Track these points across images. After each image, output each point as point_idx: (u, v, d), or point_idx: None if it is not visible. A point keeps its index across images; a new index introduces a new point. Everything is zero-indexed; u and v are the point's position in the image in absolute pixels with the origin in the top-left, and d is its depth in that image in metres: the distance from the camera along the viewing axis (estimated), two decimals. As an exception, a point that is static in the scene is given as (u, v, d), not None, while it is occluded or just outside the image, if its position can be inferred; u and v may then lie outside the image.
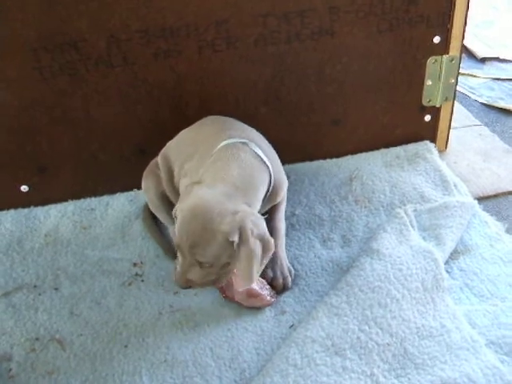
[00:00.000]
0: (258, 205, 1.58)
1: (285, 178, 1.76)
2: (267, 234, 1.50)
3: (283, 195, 1.76)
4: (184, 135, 1.80)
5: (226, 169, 1.55)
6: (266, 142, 1.75)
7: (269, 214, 1.75)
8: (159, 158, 1.84)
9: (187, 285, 1.52)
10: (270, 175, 1.63)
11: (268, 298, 1.63)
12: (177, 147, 1.79)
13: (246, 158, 1.59)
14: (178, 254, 1.51)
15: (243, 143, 1.63)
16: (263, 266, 1.52)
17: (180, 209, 1.49)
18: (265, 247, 1.49)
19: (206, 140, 1.68)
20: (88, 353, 1.55)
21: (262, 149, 1.66)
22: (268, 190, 1.63)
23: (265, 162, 1.62)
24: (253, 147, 1.63)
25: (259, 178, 1.59)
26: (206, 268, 1.48)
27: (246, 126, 1.75)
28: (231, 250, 1.44)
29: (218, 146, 1.61)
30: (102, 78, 1.86)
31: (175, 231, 1.50)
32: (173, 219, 1.79)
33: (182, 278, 1.50)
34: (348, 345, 1.47)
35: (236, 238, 1.43)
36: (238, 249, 1.45)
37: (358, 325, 1.51)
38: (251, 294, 1.62)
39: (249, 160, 1.59)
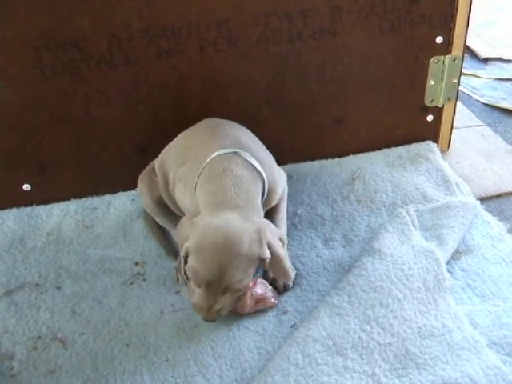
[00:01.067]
0: (261, 213, 1.59)
1: (280, 179, 1.74)
2: (278, 231, 1.58)
3: (279, 197, 1.75)
4: (179, 140, 1.79)
5: (222, 191, 1.54)
6: (260, 143, 1.75)
7: (269, 215, 1.75)
8: (156, 163, 1.84)
9: (218, 316, 1.50)
10: (264, 182, 1.62)
11: (272, 300, 1.63)
12: (172, 153, 1.78)
13: (239, 171, 1.58)
14: (199, 290, 1.48)
15: (234, 153, 1.61)
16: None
17: (195, 246, 1.45)
18: (283, 243, 1.57)
19: (198, 147, 1.67)
20: (90, 352, 1.55)
21: (255, 154, 1.64)
22: (263, 197, 1.63)
23: (258, 171, 1.61)
24: (245, 156, 1.61)
25: (255, 191, 1.58)
26: (236, 292, 1.49)
27: (238, 130, 1.73)
28: (257, 265, 1.48)
29: (210, 157, 1.60)
30: (104, 78, 1.86)
31: (197, 269, 1.44)
32: (171, 222, 1.80)
33: (213, 311, 1.48)
34: (349, 344, 1.47)
35: (268, 255, 1.46)
36: (270, 259, 1.48)
37: (359, 324, 1.51)
38: (256, 300, 1.62)
39: (242, 174, 1.57)
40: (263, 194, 1.62)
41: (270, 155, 1.76)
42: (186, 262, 1.48)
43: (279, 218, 1.76)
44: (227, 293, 1.47)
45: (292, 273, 1.56)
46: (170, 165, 1.76)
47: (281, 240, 1.55)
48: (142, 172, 1.89)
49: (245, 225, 1.47)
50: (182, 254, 1.49)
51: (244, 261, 1.44)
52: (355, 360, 1.44)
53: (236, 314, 1.62)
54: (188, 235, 1.48)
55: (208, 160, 1.60)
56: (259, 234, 1.46)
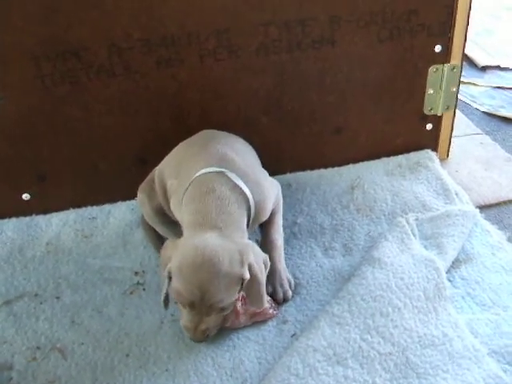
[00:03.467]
0: (245, 235, 1.58)
1: (270, 195, 1.71)
2: (263, 255, 1.55)
3: (270, 212, 1.73)
4: (176, 151, 1.80)
5: (204, 212, 1.54)
6: (251, 158, 1.75)
7: (263, 228, 1.75)
8: (156, 173, 1.84)
9: (205, 336, 1.51)
10: (249, 202, 1.61)
11: (270, 311, 1.63)
12: (169, 163, 1.79)
13: (222, 192, 1.57)
14: (185, 311, 1.49)
15: (220, 173, 1.61)
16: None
17: (177, 267, 1.45)
18: (266, 267, 1.54)
19: (189, 161, 1.68)
20: (89, 362, 1.54)
21: (242, 173, 1.63)
22: (249, 217, 1.62)
23: (242, 191, 1.60)
24: (230, 176, 1.60)
25: (238, 213, 1.57)
26: (220, 312, 1.49)
27: (230, 146, 1.72)
28: (240, 285, 1.47)
29: (195, 175, 1.60)
30: (104, 87, 1.86)
31: (179, 290, 1.45)
32: (170, 231, 1.80)
33: (198, 331, 1.49)
34: (350, 354, 1.47)
35: (248, 275, 1.46)
36: (250, 280, 1.47)
37: (359, 334, 1.51)
38: (252, 315, 1.61)
39: (225, 195, 1.57)
40: (249, 214, 1.61)
41: (261, 170, 1.75)
42: (169, 284, 1.48)
43: (274, 230, 1.75)
44: (211, 313, 1.47)
45: (265, 302, 1.54)
46: (167, 175, 1.76)
47: (264, 264, 1.54)
48: (141, 182, 1.88)
49: (225, 244, 1.47)
50: (165, 274, 1.48)
51: (225, 280, 1.43)
52: (356, 369, 1.44)
53: (232, 329, 1.61)
54: (171, 257, 1.48)
55: (193, 177, 1.60)
56: (241, 255, 1.46)
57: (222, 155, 1.66)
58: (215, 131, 1.80)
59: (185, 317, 1.49)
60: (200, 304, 1.44)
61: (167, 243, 1.59)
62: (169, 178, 1.75)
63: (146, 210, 1.86)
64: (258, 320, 1.61)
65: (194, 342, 1.53)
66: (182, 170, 1.68)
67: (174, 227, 1.79)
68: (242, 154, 1.73)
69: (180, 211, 1.63)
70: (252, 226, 1.66)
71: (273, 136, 1.96)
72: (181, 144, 1.80)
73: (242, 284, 1.47)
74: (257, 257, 1.51)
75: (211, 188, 1.57)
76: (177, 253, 1.47)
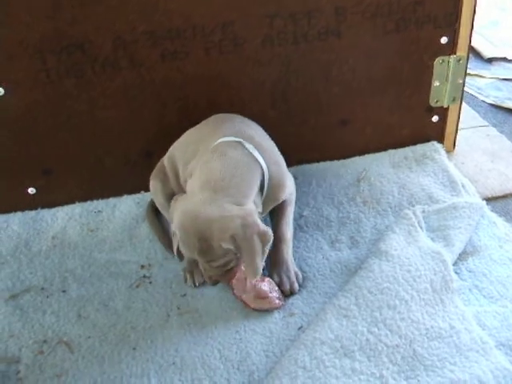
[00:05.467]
0: (249, 202, 1.57)
1: (288, 180, 1.75)
2: (261, 226, 1.53)
3: (285, 196, 1.75)
4: (188, 134, 1.81)
5: (210, 172, 1.58)
6: (270, 141, 1.77)
7: (274, 219, 1.75)
8: (165, 159, 1.85)
9: (216, 282, 1.62)
10: (264, 175, 1.63)
11: (276, 301, 1.63)
12: (181, 146, 1.80)
13: (233, 155, 1.60)
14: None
15: (236, 142, 1.64)
16: (265, 256, 1.56)
17: (175, 228, 1.56)
18: (262, 240, 1.53)
19: (205, 139, 1.69)
20: (96, 355, 1.54)
21: (260, 147, 1.66)
22: (263, 189, 1.63)
23: (257, 161, 1.62)
24: (246, 146, 1.63)
25: (247, 176, 1.59)
26: (222, 265, 1.55)
27: (248, 125, 1.76)
28: (229, 251, 1.52)
29: (212, 145, 1.64)
30: (109, 80, 1.86)
31: (181, 247, 1.57)
32: None
33: (207, 277, 1.61)
34: (357, 346, 1.46)
35: (230, 246, 1.49)
36: (239, 250, 1.51)
37: (366, 326, 1.50)
38: (259, 295, 1.62)
39: (235, 158, 1.60)
40: (262, 187, 1.63)
41: (279, 154, 1.77)
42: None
43: (285, 222, 1.75)
44: (211, 268, 1.56)
45: (258, 273, 1.54)
46: (179, 158, 1.77)
47: (261, 236, 1.52)
48: (147, 175, 1.88)
49: (211, 212, 1.50)
50: (172, 233, 1.62)
51: (209, 245, 1.50)
52: (363, 362, 1.44)
53: (235, 296, 1.64)
54: (173, 217, 1.58)
55: (212, 146, 1.63)
56: (227, 224, 1.49)
57: (240, 130, 1.70)
58: (228, 114, 1.83)
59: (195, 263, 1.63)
60: (198, 259, 1.55)
61: (176, 197, 1.66)
62: (180, 161, 1.76)
63: (159, 197, 1.86)
64: (262, 307, 1.62)
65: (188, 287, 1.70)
66: (199, 149, 1.69)
67: None
68: (261, 134, 1.76)
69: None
70: (266, 207, 1.68)
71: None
72: (192, 129, 1.81)
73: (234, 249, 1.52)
74: (247, 228, 1.50)
75: (223, 152, 1.61)
76: (175, 214, 1.56)
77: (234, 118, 1.78)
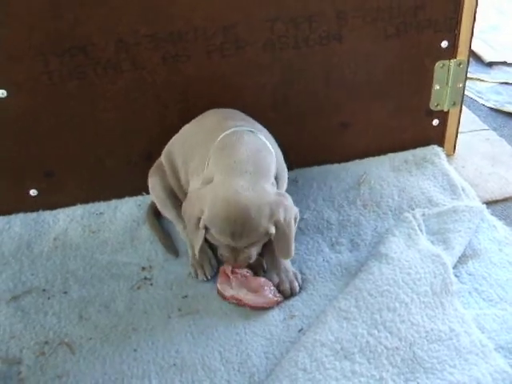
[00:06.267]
0: (275, 183, 1.63)
1: (285, 173, 1.77)
2: (294, 208, 1.61)
3: (284, 188, 1.76)
4: (186, 129, 1.82)
5: (233, 155, 1.59)
6: (270, 135, 1.77)
7: None
8: (163, 155, 1.86)
9: (241, 265, 1.65)
10: (275, 160, 1.66)
11: (270, 295, 1.64)
12: (179, 141, 1.81)
13: (251, 141, 1.63)
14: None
15: (249, 131, 1.66)
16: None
17: (211, 220, 1.53)
18: (295, 220, 1.61)
19: (209, 131, 1.70)
20: (97, 356, 1.55)
21: (267, 138, 1.70)
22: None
23: (270, 148, 1.66)
24: (257, 134, 1.67)
25: (268, 157, 1.63)
26: (251, 247, 1.59)
27: (247, 117, 1.78)
28: (268, 235, 1.56)
29: (224, 133, 1.64)
30: (111, 83, 1.87)
31: (216, 237, 1.56)
32: (179, 216, 1.81)
33: (239, 260, 1.61)
34: (357, 349, 1.47)
35: (273, 231, 1.53)
36: (278, 234, 1.54)
37: (367, 329, 1.51)
38: (251, 289, 1.64)
39: (254, 142, 1.63)
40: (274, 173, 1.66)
41: (279, 149, 1.78)
42: (207, 232, 1.57)
43: None
44: (245, 251, 1.58)
45: (292, 253, 1.61)
46: (178, 153, 1.79)
47: (295, 218, 1.60)
48: (149, 171, 1.90)
49: (256, 198, 1.52)
50: (200, 226, 1.55)
51: (254, 232, 1.53)
52: (363, 364, 1.44)
53: (230, 302, 1.66)
54: (202, 209, 1.54)
55: (222, 135, 1.64)
56: (271, 210, 1.52)
57: (246, 120, 1.74)
58: (225, 108, 1.84)
59: (224, 249, 1.60)
60: (234, 247, 1.55)
61: (191, 194, 1.64)
62: (179, 157, 1.77)
63: (158, 194, 1.87)
64: (258, 303, 1.63)
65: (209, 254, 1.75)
66: (202, 141, 1.70)
67: None
68: (261, 126, 1.78)
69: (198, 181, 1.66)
70: None
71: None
72: (188, 124, 1.82)
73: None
74: (287, 212, 1.55)
75: (240, 137, 1.63)
76: (210, 204, 1.53)
77: (232, 111, 1.80)
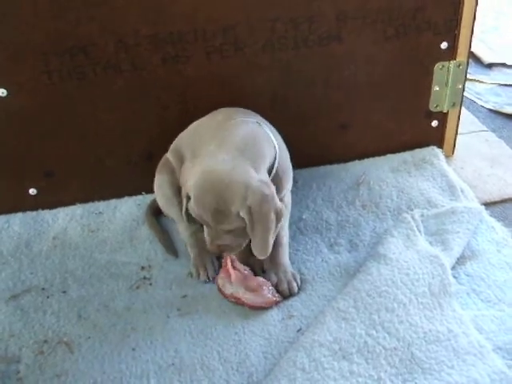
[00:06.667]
0: (264, 172, 1.61)
1: (290, 172, 1.77)
2: (278, 203, 1.55)
3: (288, 189, 1.77)
4: (196, 124, 1.83)
5: (229, 136, 1.62)
6: (279, 135, 1.78)
7: None
8: (170, 152, 1.86)
9: (220, 250, 1.62)
10: (276, 153, 1.66)
11: (269, 295, 1.64)
12: (188, 135, 1.82)
13: (254, 128, 1.66)
14: (204, 226, 1.60)
15: (254, 121, 1.69)
16: (275, 234, 1.59)
17: (191, 186, 1.55)
18: (277, 217, 1.56)
19: (219, 122, 1.72)
20: (96, 355, 1.55)
21: (274, 133, 1.73)
22: (272, 168, 1.65)
23: (272, 140, 1.67)
24: (263, 126, 1.69)
25: (264, 145, 1.63)
26: (231, 235, 1.57)
27: (260, 117, 1.79)
28: (242, 219, 1.53)
29: (229, 123, 1.67)
30: (111, 83, 1.87)
31: (194, 210, 1.55)
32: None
33: (213, 245, 1.60)
34: (355, 349, 1.47)
35: (245, 216, 1.51)
36: (252, 224, 1.52)
37: (365, 329, 1.51)
38: (249, 288, 1.64)
39: (256, 130, 1.66)
40: (273, 165, 1.66)
41: (286, 149, 1.79)
42: (187, 203, 1.59)
43: (280, 225, 1.75)
44: (223, 234, 1.57)
45: (268, 251, 1.58)
46: (186, 148, 1.78)
47: (278, 213, 1.55)
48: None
49: (234, 176, 1.52)
50: (182, 194, 1.61)
51: (226, 211, 1.52)
52: (361, 365, 1.44)
53: (230, 300, 1.66)
54: (188, 178, 1.58)
55: (229, 123, 1.67)
56: (246, 192, 1.51)
57: (259, 119, 1.75)
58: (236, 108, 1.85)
59: (205, 231, 1.61)
60: (210, 224, 1.54)
61: (186, 164, 1.68)
62: (188, 149, 1.77)
63: (164, 191, 1.86)
64: (256, 303, 1.63)
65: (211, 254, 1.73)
66: (215, 128, 1.71)
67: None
68: (273, 128, 1.79)
69: None
70: None
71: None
72: (198, 120, 1.83)
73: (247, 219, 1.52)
74: (265, 201, 1.52)
75: (244, 124, 1.65)
76: (194, 172, 1.56)
77: (243, 109, 1.81)
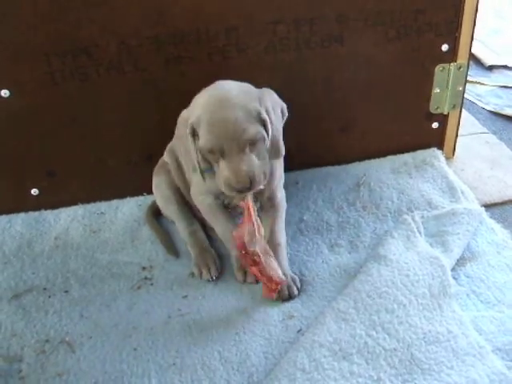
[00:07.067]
0: None
1: (283, 146, 1.70)
2: (281, 103, 1.67)
3: (274, 186, 1.76)
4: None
5: (218, 84, 1.64)
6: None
7: (267, 227, 1.75)
8: (166, 154, 1.87)
9: (250, 179, 1.54)
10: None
11: (280, 274, 1.64)
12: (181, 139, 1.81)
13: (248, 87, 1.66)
14: (222, 163, 1.55)
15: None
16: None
17: (197, 118, 1.55)
18: (283, 115, 1.67)
19: None
20: (98, 355, 1.56)
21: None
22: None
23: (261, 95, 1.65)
24: None
25: (254, 98, 1.61)
26: (254, 153, 1.55)
27: None
28: (260, 122, 1.56)
29: None
30: (113, 84, 1.88)
31: (209, 138, 1.53)
32: (182, 214, 1.83)
33: (241, 175, 1.53)
34: (355, 350, 1.48)
35: (265, 115, 1.55)
36: (270, 124, 1.57)
37: (365, 330, 1.52)
38: (267, 251, 1.63)
39: (249, 88, 1.64)
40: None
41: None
42: (195, 142, 1.58)
43: (278, 228, 1.77)
44: (244, 150, 1.54)
45: (283, 151, 1.63)
46: (179, 145, 1.78)
47: (282, 112, 1.64)
48: (149, 178, 1.91)
49: (243, 86, 1.60)
50: (188, 132, 1.58)
51: (243, 111, 1.53)
52: (361, 365, 1.45)
53: (247, 267, 1.65)
54: (188, 116, 1.59)
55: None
56: (259, 96, 1.57)
57: None
58: None
59: (224, 169, 1.54)
60: (230, 145, 1.51)
61: (182, 114, 1.66)
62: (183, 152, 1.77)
63: (163, 192, 1.88)
64: (271, 275, 1.62)
65: (240, 193, 1.59)
66: None
67: (186, 211, 1.85)
68: None
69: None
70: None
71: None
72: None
73: (264, 125, 1.54)
74: (274, 103, 1.59)
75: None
76: (194, 108, 1.59)
77: None
